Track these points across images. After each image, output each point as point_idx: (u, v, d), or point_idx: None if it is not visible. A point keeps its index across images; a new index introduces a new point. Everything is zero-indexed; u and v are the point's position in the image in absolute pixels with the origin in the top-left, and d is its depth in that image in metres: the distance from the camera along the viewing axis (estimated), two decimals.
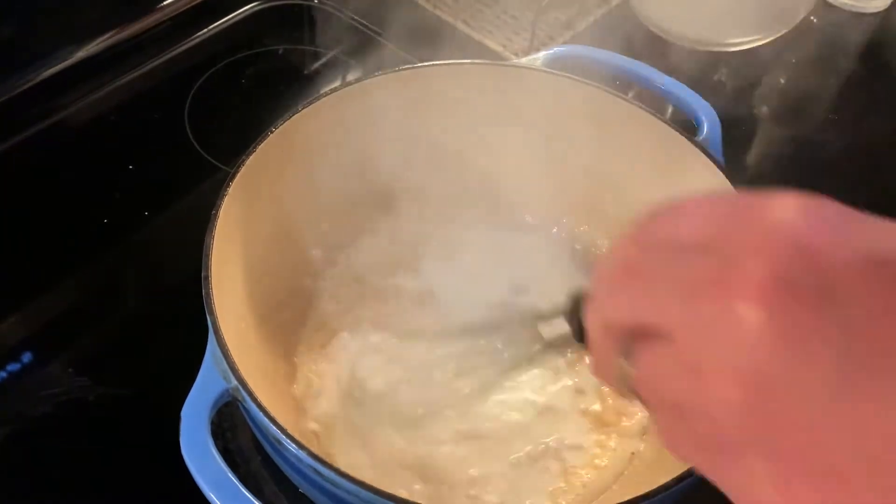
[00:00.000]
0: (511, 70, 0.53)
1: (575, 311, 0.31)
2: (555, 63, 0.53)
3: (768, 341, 0.22)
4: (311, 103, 0.50)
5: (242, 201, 0.46)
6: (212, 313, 0.40)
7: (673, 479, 0.36)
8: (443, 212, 0.57)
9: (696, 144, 0.50)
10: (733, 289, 0.23)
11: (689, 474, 0.36)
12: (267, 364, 0.48)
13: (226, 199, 0.45)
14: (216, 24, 0.76)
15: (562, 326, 0.32)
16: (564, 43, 0.77)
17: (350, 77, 0.73)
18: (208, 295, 0.41)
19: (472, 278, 0.54)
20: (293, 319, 0.52)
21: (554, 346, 0.34)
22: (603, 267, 0.27)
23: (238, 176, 0.46)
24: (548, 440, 0.48)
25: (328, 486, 0.37)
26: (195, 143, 0.66)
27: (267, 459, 0.47)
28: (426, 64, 0.53)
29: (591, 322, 0.28)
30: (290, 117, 0.49)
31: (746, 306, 0.22)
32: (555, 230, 0.57)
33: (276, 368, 0.49)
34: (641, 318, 0.26)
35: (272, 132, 0.48)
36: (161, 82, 0.72)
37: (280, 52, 0.76)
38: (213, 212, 0.44)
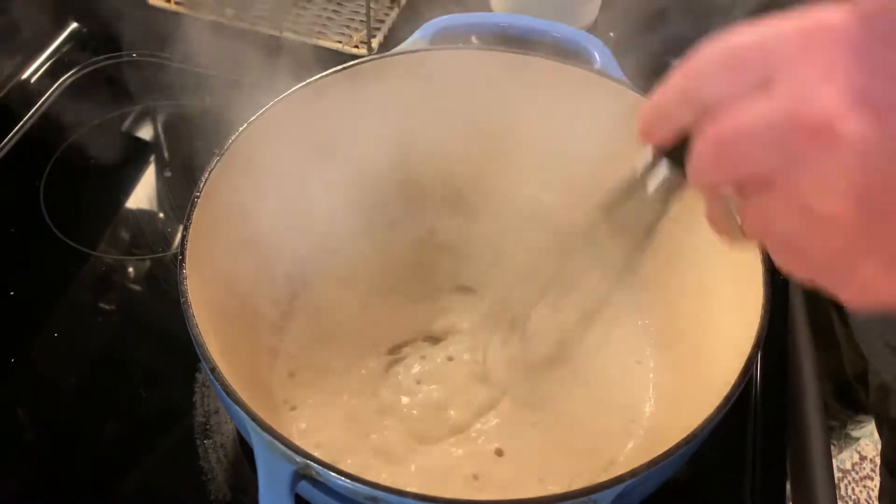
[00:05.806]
0: (403, 58, 0.52)
1: (680, 152, 0.30)
2: (437, 39, 0.53)
3: (861, 152, 0.24)
4: (221, 156, 0.46)
5: (197, 278, 0.42)
6: (241, 403, 0.37)
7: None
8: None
9: (599, 73, 0.52)
10: (814, 123, 0.24)
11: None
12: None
13: (187, 281, 0.41)
14: (28, 116, 0.68)
15: (666, 169, 0.32)
16: (395, 23, 0.77)
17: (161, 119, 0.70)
18: (226, 386, 0.37)
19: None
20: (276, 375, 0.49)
21: (660, 195, 0.33)
22: (698, 148, 0.28)
23: (187, 252, 0.42)
24: None
25: None
26: (64, 239, 0.59)
27: None
28: (314, 79, 0.51)
29: (695, 182, 0.29)
30: (207, 178, 0.46)
31: (832, 136, 0.24)
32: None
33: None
34: (740, 176, 0.27)
35: (198, 197, 0.44)
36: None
37: (98, 122, 0.69)
38: (182, 300, 0.40)
